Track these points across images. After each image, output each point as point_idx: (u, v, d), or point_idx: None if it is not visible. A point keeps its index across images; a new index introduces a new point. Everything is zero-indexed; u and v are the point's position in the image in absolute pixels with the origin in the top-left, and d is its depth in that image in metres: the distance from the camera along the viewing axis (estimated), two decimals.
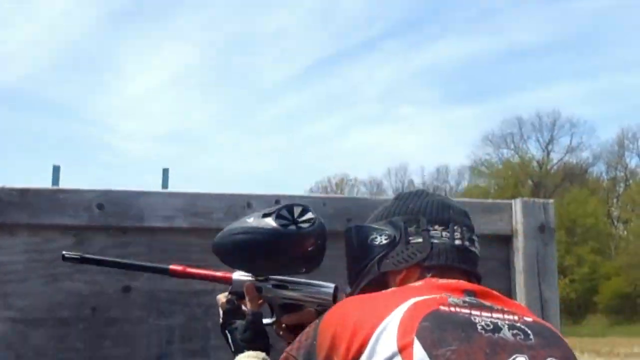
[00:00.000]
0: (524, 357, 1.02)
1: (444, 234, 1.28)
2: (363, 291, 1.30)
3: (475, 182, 43.67)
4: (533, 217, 1.89)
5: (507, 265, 1.92)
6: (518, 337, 1.05)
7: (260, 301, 1.47)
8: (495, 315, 1.09)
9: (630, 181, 41.72)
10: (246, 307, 1.45)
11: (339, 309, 1.15)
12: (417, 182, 46.17)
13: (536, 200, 1.93)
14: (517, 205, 1.91)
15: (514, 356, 1.02)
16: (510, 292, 1.91)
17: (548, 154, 43.27)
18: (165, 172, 7.87)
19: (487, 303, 1.13)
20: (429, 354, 0.99)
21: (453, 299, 1.11)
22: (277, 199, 1.86)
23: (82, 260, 1.54)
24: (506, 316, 1.10)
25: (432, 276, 1.23)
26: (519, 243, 1.88)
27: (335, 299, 1.45)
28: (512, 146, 43.64)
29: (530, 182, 40.93)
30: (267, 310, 1.47)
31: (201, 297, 1.80)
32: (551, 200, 1.94)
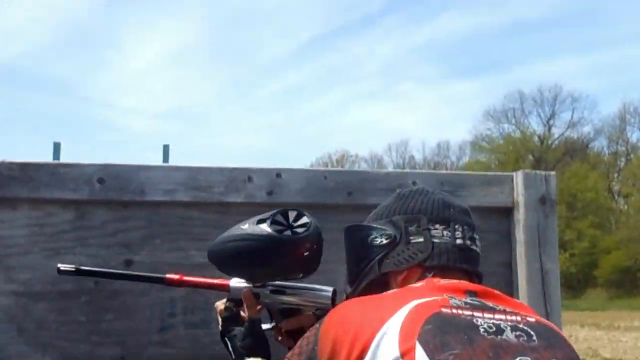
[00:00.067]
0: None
1: (445, 233, 1.26)
2: (364, 291, 1.29)
3: (476, 158, 43.63)
4: (534, 189, 1.89)
5: (508, 237, 1.92)
6: (521, 339, 1.04)
7: (259, 307, 1.46)
8: (497, 316, 1.08)
9: (632, 155, 41.66)
10: (245, 313, 1.45)
11: (340, 312, 1.13)
12: (418, 157, 46.16)
13: (537, 172, 1.92)
14: (518, 177, 1.91)
15: (517, 359, 1.00)
16: (511, 264, 1.91)
17: (549, 128, 43.19)
18: (166, 148, 7.85)
19: (489, 303, 1.12)
20: (432, 359, 0.98)
21: (455, 300, 1.10)
22: (277, 173, 1.86)
23: (78, 273, 1.53)
24: (509, 317, 1.08)
25: (434, 276, 1.22)
26: (520, 215, 1.88)
27: (333, 302, 1.44)
28: (514, 121, 43.56)
29: (531, 157, 40.87)
30: (266, 315, 1.47)
31: (203, 270, 1.80)
32: (553, 172, 1.94)
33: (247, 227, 1.40)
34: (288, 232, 1.37)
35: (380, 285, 1.27)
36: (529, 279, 1.86)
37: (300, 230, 1.38)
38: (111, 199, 1.79)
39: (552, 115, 42.76)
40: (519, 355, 1.01)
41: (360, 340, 1.03)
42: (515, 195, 1.91)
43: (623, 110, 41.97)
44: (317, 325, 1.15)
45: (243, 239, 1.39)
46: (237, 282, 1.48)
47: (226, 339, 1.43)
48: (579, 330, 17.14)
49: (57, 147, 6.54)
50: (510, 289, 1.90)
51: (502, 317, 1.08)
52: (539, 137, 43.30)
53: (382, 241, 1.29)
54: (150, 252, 1.81)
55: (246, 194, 1.84)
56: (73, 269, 1.51)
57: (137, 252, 1.80)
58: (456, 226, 1.27)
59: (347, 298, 1.35)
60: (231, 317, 1.46)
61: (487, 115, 43.74)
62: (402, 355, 0.99)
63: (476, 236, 1.30)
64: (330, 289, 1.47)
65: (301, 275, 1.44)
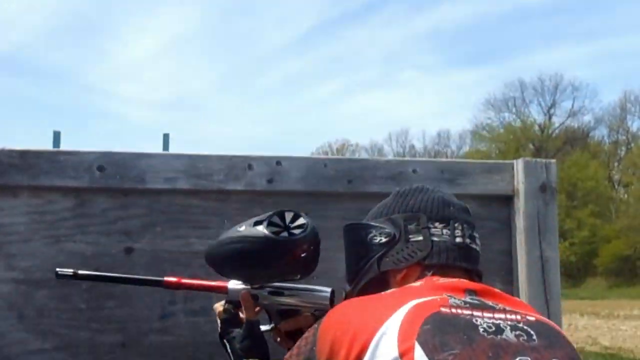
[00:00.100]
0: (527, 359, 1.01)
1: (444, 231, 1.26)
2: (363, 289, 1.29)
3: (476, 147, 43.61)
4: (535, 177, 1.89)
5: (509, 225, 1.92)
6: (521, 339, 1.03)
7: (257, 309, 1.46)
8: (497, 315, 1.07)
9: (632, 144, 41.63)
10: (243, 315, 1.45)
11: (338, 312, 1.13)
12: (419, 146, 46.16)
13: (538, 160, 1.92)
14: (519, 165, 1.91)
15: (517, 358, 1.00)
16: (511, 252, 1.92)
17: (550, 117, 43.15)
18: (166, 137, 7.84)
19: (489, 302, 1.11)
20: (431, 359, 0.98)
21: (454, 299, 1.09)
22: (277, 160, 1.86)
23: (76, 277, 1.53)
24: (508, 316, 1.08)
25: (433, 275, 1.21)
26: (520, 203, 1.88)
27: (332, 302, 1.44)
28: (514, 110, 43.53)
29: (531, 146, 40.87)
30: (265, 317, 1.47)
31: (204, 257, 1.80)
32: (553, 160, 1.93)
33: (243, 229, 1.40)
34: (285, 234, 1.37)
35: (380, 283, 1.26)
36: (529, 266, 1.86)
37: (297, 231, 1.38)
38: (111, 187, 1.79)
39: (553, 104, 42.74)
40: (519, 355, 1.00)
41: (359, 340, 1.03)
42: (515, 183, 1.90)
43: (624, 99, 41.94)
44: (315, 325, 1.15)
45: (239, 241, 1.39)
46: (235, 284, 1.48)
47: (225, 341, 1.44)
48: (578, 319, 17.20)
49: (57, 136, 6.53)
50: (510, 276, 1.91)
51: (502, 316, 1.07)
52: (539, 126, 43.27)
53: (381, 240, 1.28)
54: (151, 240, 1.81)
55: (246, 181, 1.84)
56: (71, 274, 1.52)
57: (138, 240, 1.80)
58: (456, 224, 1.27)
59: (346, 296, 1.35)
60: (230, 319, 1.46)
61: (487, 104, 43.72)
62: (401, 355, 0.98)
63: (476, 234, 1.30)
64: (329, 289, 1.47)
65: (299, 276, 1.44)
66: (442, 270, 1.22)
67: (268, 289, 1.46)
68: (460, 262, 1.24)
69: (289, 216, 1.40)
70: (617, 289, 30.60)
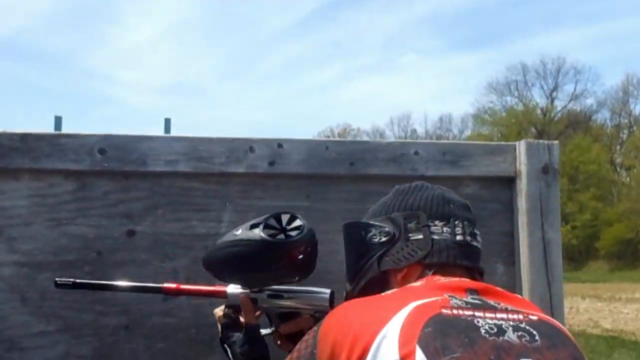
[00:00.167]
0: None
1: (444, 229, 1.25)
2: (363, 289, 1.28)
3: (478, 131, 43.53)
4: (537, 159, 1.88)
5: (510, 206, 1.92)
6: (523, 339, 1.02)
7: (257, 313, 1.46)
8: (499, 315, 1.06)
9: (634, 128, 41.53)
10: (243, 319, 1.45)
11: (338, 314, 1.12)
12: (420, 130, 46.10)
13: (540, 141, 1.90)
14: (521, 146, 1.90)
15: None
16: (513, 234, 1.91)
17: (552, 101, 43.05)
18: (167, 122, 7.84)
19: (491, 302, 1.10)
20: None
21: (455, 300, 1.08)
22: (279, 143, 1.85)
23: (75, 286, 1.53)
24: (510, 316, 1.07)
25: (434, 274, 1.20)
26: (522, 184, 1.87)
27: (332, 304, 1.43)
28: (516, 94, 43.41)
29: (533, 129, 40.77)
30: (266, 320, 1.47)
31: (205, 240, 1.81)
32: (556, 142, 1.92)
33: (240, 232, 1.40)
34: (281, 236, 1.37)
35: (380, 283, 1.26)
36: (531, 248, 1.85)
37: (293, 233, 1.37)
38: (112, 170, 1.79)
39: (555, 88, 42.63)
40: (521, 357, 1.00)
41: (359, 342, 1.02)
42: (517, 164, 1.90)
43: (626, 82, 41.81)
44: (315, 328, 1.14)
45: (236, 245, 1.39)
46: (234, 288, 1.48)
47: (226, 346, 1.44)
48: (580, 302, 17.24)
49: (58, 121, 6.53)
50: (512, 258, 1.90)
51: (504, 316, 1.06)
52: (541, 109, 43.16)
53: (381, 239, 1.28)
54: (152, 223, 1.81)
55: (247, 164, 1.83)
56: (70, 282, 1.53)
57: (139, 223, 1.80)
58: (456, 222, 1.26)
59: (346, 295, 1.35)
60: (230, 324, 1.46)
61: (489, 88, 43.63)
62: (402, 358, 0.98)
63: (477, 231, 1.29)
64: (328, 290, 1.47)
65: (297, 278, 1.43)
66: (443, 268, 1.22)
67: (267, 292, 1.46)
68: (461, 260, 1.23)
69: (285, 218, 1.40)
70: (619, 272, 30.65)
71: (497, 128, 42.82)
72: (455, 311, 1.05)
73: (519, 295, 1.25)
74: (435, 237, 1.24)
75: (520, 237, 1.88)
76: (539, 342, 1.03)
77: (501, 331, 1.03)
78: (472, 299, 1.10)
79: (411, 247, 1.24)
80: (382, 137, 44.45)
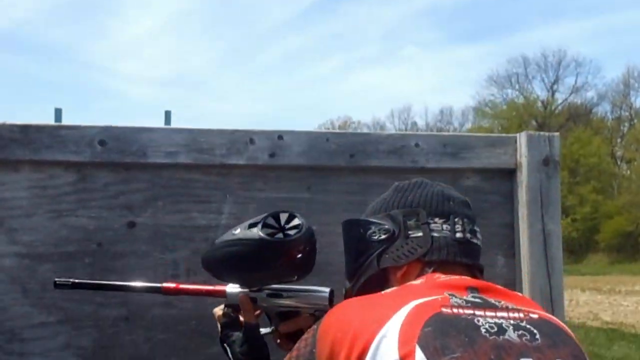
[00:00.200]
0: None
1: (444, 226, 1.24)
2: (363, 287, 1.28)
3: (479, 123, 43.49)
4: (538, 150, 1.87)
5: (511, 198, 1.92)
6: (524, 338, 1.02)
7: (257, 312, 1.46)
8: (499, 314, 1.05)
9: (635, 120, 41.49)
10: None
11: (338, 313, 1.11)
12: (421, 123, 46.07)
13: (541, 133, 1.90)
14: (522, 138, 1.89)
15: None
16: (513, 226, 1.91)
17: (553, 94, 43.01)
18: (168, 114, 7.84)
19: (491, 300, 1.09)
20: None
21: (456, 299, 1.07)
22: (279, 135, 1.85)
23: (74, 286, 1.53)
24: (511, 314, 1.06)
25: (434, 272, 1.20)
26: (523, 176, 1.87)
27: (331, 302, 1.43)
28: (517, 86, 43.36)
29: (534, 122, 40.73)
30: (266, 319, 1.47)
31: (206, 232, 1.81)
32: (556, 134, 1.92)
33: (238, 231, 1.40)
34: (280, 235, 1.36)
35: (380, 280, 1.25)
36: (531, 240, 1.85)
37: (292, 232, 1.37)
38: (113, 161, 1.79)
39: (556, 80, 42.59)
40: (522, 357, 0.99)
41: (359, 341, 1.01)
42: (518, 156, 1.89)
43: (627, 75, 41.74)
44: (314, 326, 1.13)
45: (234, 245, 1.38)
46: (233, 288, 1.48)
47: (226, 345, 1.43)
48: (580, 294, 17.27)
49: (58, 113, 6.52)
50: (512, 250, 1.91)
51: (505, 314, 1.06)
52: (542, 102, 43.13)
53: (380, 236, 1.27)
54: (153, 214, 1.81)
55: (248, 156, 1.83)
56: (69, 283, 1.52)
57: (140, 214, 1.80)
58: (456, 219, 1.25)
59: (346, 293, 1.34)
60: (230, 323, 1.46)
61: (490, 81, 43.58)
62: (402, 358, 0.97)
63: (477, 228, 1.28)
64: (327, 289, 1.46)
65: (296, 277, 1.43)
66: (443, 266, 1.21)
67: (266, 291, 1.46)
68: (460, 258, 1.23)
69: (283, 217, 1.39)
70: (619, 265, 30.67)
71: (498, 121, 42.77)
72: (455, 310, 1.04)
73: (519, 293, 1.25)
74: (435, 234, 1.23)
75: (521, 229, 1.88)
76: (539, 341, 1.02)
77: (501, 330, 1.02)
78: (473, 297, 1.09)
79: (411, 244, 1.24)
80: (382, 129, 44.43)
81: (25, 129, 1.76)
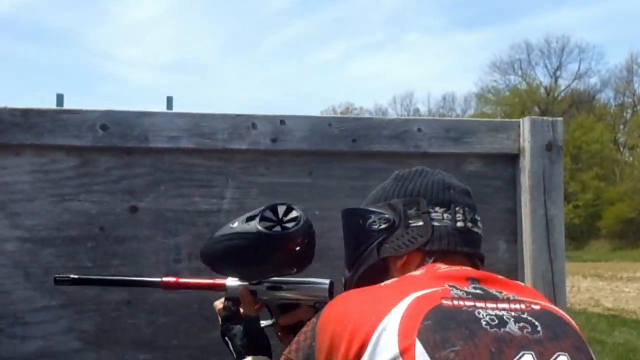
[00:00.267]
0: (530, 354, 0.98)
1: (445, 215, 1.23)
2: (363, 276, 1.27)
3: (481, 110, 43.39)
4: (541, 135, 1.87)
5: (513, 183, 1.91)
6: (525, 331, 1.01)
7: (257, 305, 1.46)
8: (500, 305, 1.05)
9: (638, 107, 41.39)
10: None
11: (337, 306, 1.11)
12: (423, 109, 46.00)
13: (545, 118, 1.89)
14: (525, 123, 1.89)
15: (520, 353, 0.98)
16: (515, 211, 1.91)
17: (556, 80, 42.90)
18: (170, 100, 7.82)
19: (493, 291, 1.09)
20: (432, 357, 0.96)
21: (456, 290, 1.07)
22: (281, 119, 1.85)
23: (74, 282, 1.53)
24: (512, 306, 1.06)
25: (434, 261, 1.19)
26: (526, 161, 1.86)
27: (331, 294, 1.43)
28: (520, 72, 43.23)
29: (537, 108, 40.63)
30: (267, 312, 1.47)
31: (208, 216, 1.81)
32: (560, 119, 1.91)
33: (236, 225, 1.39)
34: (278, 228, 1.35)
35: (380, 270, 1.24)
36: (534, 225, 1.85)
37: (290, 225, 1.36)
38: (115, 146, 1.78)
39: (559, 67, 42.47)
40: (523, 350, 0.98)
41: (358, 335, 1.01)
42: (521, 141, 1.89)
43: (630, 61, 41.60)
44: (314, 319, 1.13)
45: (232, 238, 1.38)
46: (233, 281, 1.48)
47: (227, 338, 1.43)
48: (581, 280, 17.30)
49: (60, 99, 6.51)
50: (514, 235, 1.90)
51: (506, 306, 1.05)
52: (545, 88, 43.02)
53: (380, 225, 1.26)
54: (155, 199, 1.81)
55: (250, 140, 1.83)
56: (68, 279, 1.52)
57: (142, 199, 1.80)
58: (457, 208, 1.24)
59: (345, 282, 1.34)
60: (230, 316, 1.45)
61: (493, 67, 43.51)
62: (402, 353, 0.97)
63: (477, 217, 1.27)
64: (327, 281, 1.46)
65: (295, 270, 1.42)
66: (443, 255, 1.20)
67: (266, 284, 1.45)
68: (461, 247, 1.22)
69: (281, 209, 1.38)
70: (621, 252, 30.69)
71: (501, 107, 42.68)
72: (455, 302, 1.04)
73: (521, 283, 1.24)
74: (436, 223, 1.23)
75: (523, 215, 1.88)
76: (540, 333, 1.02)
77: (502, 322, 1.02)
78: (474, 288, 1.09)
79: (411, 234, 1.23)
80: (384, 116, 44.36)
81: (26, 113, 1.76)
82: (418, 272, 1.17)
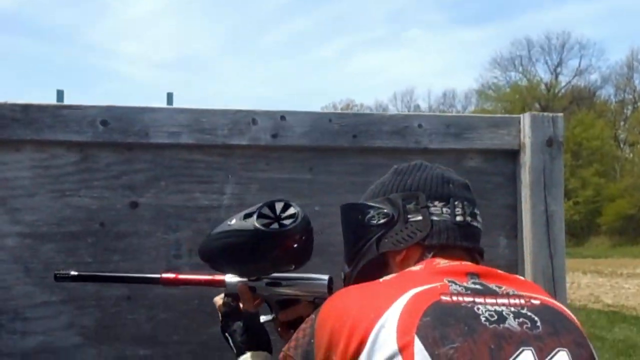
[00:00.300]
0: (530, 350, 0.98)
1: (444, 210, 1.23)
2: (362, 271, 1.27)
3: (482, 106, 43.39)
4: (541, 131, 1.87)
5: (514, 179, 1.91)
6: (525, 327, 1.01)
7: (257, 301, 1.46)
8: (500, 301, 1.05)
9: (639, 103, 41.34)
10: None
11: (336, 302, 1.10)
12: (424, 106, 45.98)
13: (545, 114, 1.89)
14: (525, 119, 1.88)
15: (520, 349, 0.98)
16: (516, 207, 1.91)
17: (556, 76, 42.88)
18: (170, 96, 7.83)
19: (492, 286, 1.08)
20: (431, 354, 0.95)
21: (455, 286, 1.06)
22: (282, 115, 1.84)
23: (74, 279, 1.54)
24: (512, 301, 1.05)
25: (434, 256, 1.19)
26: (526, 157, 1.86)
27: (330, 290, 1.43)
28: (521, 69, 43.19)
29: (537, 105, 40.60)
30: (267, 307, 1.47)
31: (208, 212, 1.81)
32: (560, 114, 1.91)
33: (234, 222, 1.39)
34: (275, 225, 1.35)
35: (379, 265, 1.24)
36: (534, 220, 1.85)
37: (287, 222, 1.35)
38: (115, 141, 1.78)
39: (560, 63, 42.43)
40: (522, 346, 0.98)
41: (357, 332, 1.01)
42: (522, 137, 1.88)
43: (631, 58, 41.57)
44: (312, 316, 1.13)
45: (230, 236, 1.38)
46: (232, 277, 1.48)
47: (227, 334, 1.44)
48: (581, 277, 17.30)
49: (60, 95, 6.52)
50: (514, 231, 1.90)
51: (505, 301, 1.05)
52: (545, 85, 42.99)
53: (379, 220, 1.25)
54: (155, 195, 1.81)
55: (250, 136, 1.82)
56: (68, 276, 1.53)
57: (142, 195, 1.80)
58: (456, 202, 1.24)
59: (345, 277, 1.34)
60: (230, 312, 1.46)
61: (494, 63, 43.49)
62: (401, 350, 0.96)
63: (477, 211, 1.27)
64: (326, 277, 1.46)
65: (293, 266, 1.42)
66: (443, 250, 1.20)
67: (265, 280, 1.46)
68: (461, 242, 1.21)
69: (279, 206, 1.38)
70: (621, 248, 30.69)
71: (501, 104, 42.65)
72: (455, 298, 1.03)
73: (520, 277, 1.23)
74: (435, 218, 1.22)
75: (523, 210, 1.88)
76: (540, 329, 1.02)
77: (502, 318, 1.01)
78: (473, 283, 1.08)
79: (410, 228, 1.22)
80: (385, 112, 44.33)
81: (26, 108, 1.76)
82: (417, 268, 1.16)
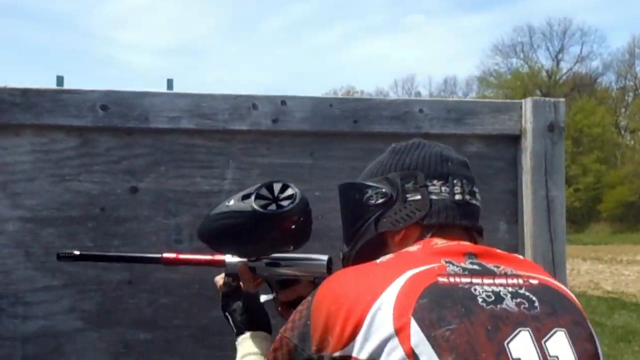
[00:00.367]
0: (527, 331, 0.98)
1: (443, 189, 1.21)
2: (361, 251, 1.26)
3: (483, 93, 43.29)
4: (543, 116, 1.86)
5: (515, 165, 1.90)
6: (522, 307, 1.00)
7: (257, 281, 1.46)
8: (498, 281, 1.04)
9: None
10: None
11: (332, 284, 1.10)
12: (424, 93, 45.89)
13: (547, 99, 1.88)
14: (527, 104, 1.88)
15: (517, 330, 0.97)
16: (516, 192, 1.90)
17: (558, 63, 42.75)
18: (170, 82, 7.81)
19: (490, 266, 1.08)
20: (427, 336, 0.95)
21: (453, 267, 1.06)
22: (282, 100, 1.84)
23: (77, 258, 1.54)
24: (510, 281, 1.05)
25: (432, 236, 1.18)
26: (528, 142, 1.86)
27: (329, 270, 1.43)
28: (522, 56, 43.06)
29: (539, 92, 40.51)
30: (267, 286, 1.48)
31: (209, 197, 1.81)
32: (562, 99, 1.90)
33: (232, 203, 1.39)
34: (273, 206, 1.35)
35: (378, 244, 1.24)
36: (535, 206, 1.85)
37: (285, 203, 1.35)
38: (115, 126, 1.78)
39: (561, 50, 42.30)
40: (519, 326, 0.98)
41: (354, 314, 1.01)
42: (523, 122, 1.88)
43: (632, 44, 41.42)
44: (309, 298, 1.12)
45: (228, 217, 1.37)
46: (232, 257, 1.48)
47: (227, 314, 1.44)
48: (581, 263, 17.33)
49: (60, 81, 6.49)
50: (515, 216, 1.90)
51: (503, 281, 1.04)
52: (547, 72, 42.87)
53: (377, 200, 1.24)
54: (155, 179, 1.80)
55: (251, 121, 1.82)
56: (71, 255, 1.54)
57: (142, 179, 1.80)
58: (455, 181, 1.22)
59: (343, 258, 1.33)
60: (230, 292, 1.46)
61: (495, 50, 43.41)
62: (397, 331, 0.96)
63: (476, 189, 1.26)
64: (325, 257, 1.46)
65: (292, 247, 1.43)
66: (442, 229, 1.19)
67: (265, 260, 1.46)
68: (460, 220, 1.21)
69: (277, 187, 1.38)
70: (621, 235, 30.71)
71: (502, 90, 42.56)
72: (452, 279, 1.03)
73: (519, 256, 1.22)
74: (434, 197, 1.21)
75: (524, 195, 1.88)
76: (538, 309, 1.01)
77: (499, 299, 1.01)
78: (471, 264, 1.08)
79: (409, 208, 1.22)
80: None
81: (26, 92, 1.75)
82: (414, 248, 1.15)
